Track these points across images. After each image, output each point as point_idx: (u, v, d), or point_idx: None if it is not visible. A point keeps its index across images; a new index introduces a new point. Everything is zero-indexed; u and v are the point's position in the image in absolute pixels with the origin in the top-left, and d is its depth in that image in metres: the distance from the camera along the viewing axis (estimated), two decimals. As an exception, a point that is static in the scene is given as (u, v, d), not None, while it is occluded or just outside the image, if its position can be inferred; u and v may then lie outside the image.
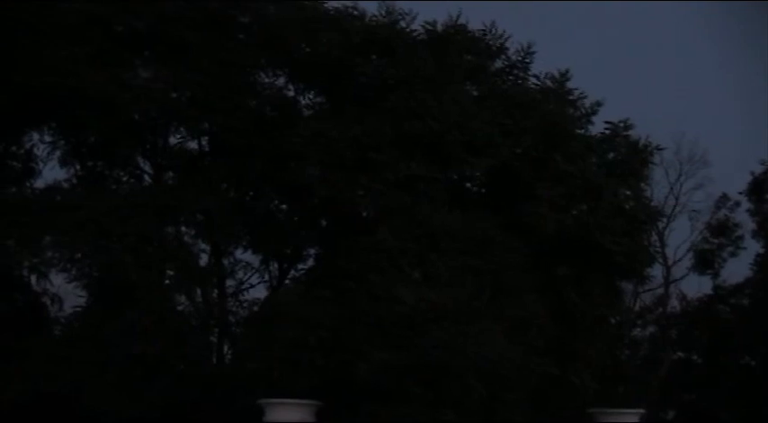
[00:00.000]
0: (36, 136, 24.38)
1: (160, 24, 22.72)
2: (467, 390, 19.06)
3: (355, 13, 23.79)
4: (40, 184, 24.34)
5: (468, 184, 23.86)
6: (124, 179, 24.53)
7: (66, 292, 23.52)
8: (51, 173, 24.32)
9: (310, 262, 24.64)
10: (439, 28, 23.68)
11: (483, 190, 23.89)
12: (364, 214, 22.55)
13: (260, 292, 24.98)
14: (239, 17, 23.74)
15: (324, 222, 24.15)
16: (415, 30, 23.63)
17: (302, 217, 24.26)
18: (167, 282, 23.60)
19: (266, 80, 24.40)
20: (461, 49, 23.63)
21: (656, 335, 38.91)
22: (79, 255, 22.13)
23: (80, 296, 23.05)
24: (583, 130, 24.38)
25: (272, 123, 23.42)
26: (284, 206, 24.66)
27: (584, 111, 24.46)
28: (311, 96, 24.43)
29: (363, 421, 19.65)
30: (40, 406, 20.40)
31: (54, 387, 20.51)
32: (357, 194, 21.69)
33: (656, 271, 33.60)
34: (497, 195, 23.37)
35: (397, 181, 21.57)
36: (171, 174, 24.78)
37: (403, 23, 23.59)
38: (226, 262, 24.97)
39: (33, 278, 23.26)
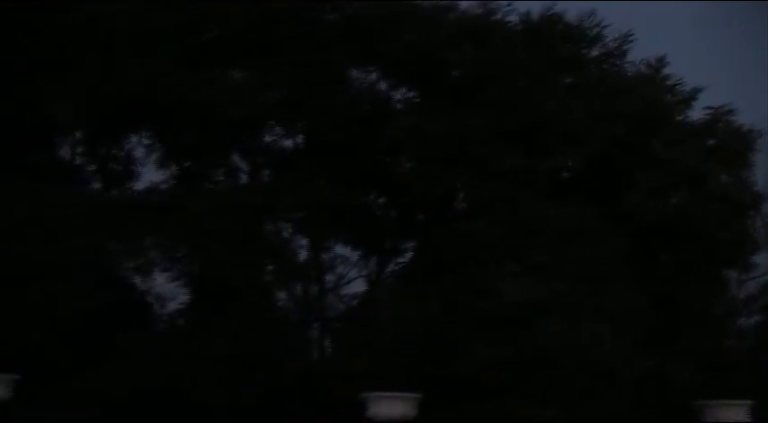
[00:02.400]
0: (135, 139, 24.89)
1: (250, 26, 22.94)
2: (569, 384, 18.84)
3: (448, 6, 23.74)
4: (139, 186, 24.83)
5: (566, 174, 23.62)
6: (221, 179, 24.84)
7: (169, 290, 23.99)
8: (150, 175, 24.82)
9: (408, 256, 24.69)
10: (534, 18, 23.50)
11: (581, 179, 23.63)
12: (461, 207, 22.48)
13: (359, 287, 25.19)
14: (328, 15, 23.84)
15: (421, 216, 24.14)
16: (511, 21, 23.50)
17: (399, 211, 24.29)
18: (267, 278, 23.88)
19: (359, 76, 24.48)
20: (557, 39, 23.38)
21: (762, 324, 37.95)
22: (180, 254, 22.54)
23: (182, 294, 23.55)
24: (682, 117, 23.94)
25: (366, 119, 23.49)
26: (381, 201, 24.74)
27: (683, 97, 24.02)
28: (404, 91, 24.44)
29: (464, 416, 19.58)
30: (145, 401, 20.78)
31: (157, 383, 20.89)
32: (453, 187, 21.60)
33: (762, 258, 32.73)
34: (595, 184, 23.09)
35: (493, 173, 21.44)
36: (267, 172, 25.00)
37: (498, 15, 23.46)
38: (325, 257, 25.16)
39: (137, 278, 23.77)
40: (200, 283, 23.03)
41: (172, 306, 23.68)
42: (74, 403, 20.39)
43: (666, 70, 24.11)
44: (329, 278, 24.90)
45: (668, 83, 24.07)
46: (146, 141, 24.59)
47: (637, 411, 21.11)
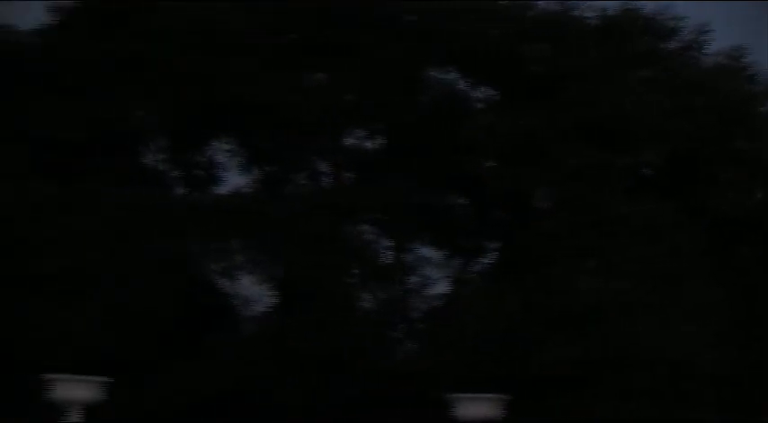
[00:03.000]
0: (217, 144, 25.22)
1: (328, 28, 23.10)
2: (651, 381, 18.54)
3: (526, 4, 23.60)
4: (222, 190, 25.15)
5: (644, 170, 23.25)
6: (304, 182, 25.05)
7: (254, 292, 24.26)
8: (233, 179, 25.14)
9: (490, 255, 24.56)
10: (611, 12, 23.21)
11: (659, 175, 23.24)
12: (540, 205, 22.29)
13: (443, 288, 25.12)
14: (406, 15, 23.87)
15: (501, 215, 24.02)
16: (587, 16, 23.23)
17: (480, 210, 24.20)
18: (351, 280, 23.99)
19: (438, 76, 24.46)
20: (634, 33, 23.05)
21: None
22: (264, 257, 22.79)
23: (268, 296, 23.77)
24: (764, 108, 23.36)
25: (445, 119, 23.46)
26: (462, 200, 24.68)
27: (764, 87, 23.44)
28: (483, 89, 24.34)
29: (549, 414, 19.41)
30: (230, 402, 21.06)
31: (244, 383, 21.14)
32: (532, 185, 21.43)
33: None
34: (674, 179, 22.69)
35: (571, 170, 21.22)
36: (349, 174, 25.14)
37: (575, 11, 23.23)
38: (408, 258, 25.17)
39: (223, 281, 24.10)
40: (284, 286, 23.24)
41: (257, 308, 24.02)
42: (161, 404, 20.79)
43: (745, 60, 23.64)
44: (413, 279, 24.93)
45: (748, 73, 23.59)
46: (228, 146, 25.00)
47: (721, 406, 20.73)
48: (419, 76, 24.06)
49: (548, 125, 21.54)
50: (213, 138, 25.02)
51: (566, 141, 21.37)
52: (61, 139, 22.96)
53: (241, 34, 22.96)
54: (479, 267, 24.64)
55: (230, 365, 21.39)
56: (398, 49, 23.24)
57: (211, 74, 22.87)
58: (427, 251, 24.83)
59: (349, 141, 24.98)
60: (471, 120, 22.51)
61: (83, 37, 23.55)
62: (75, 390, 17.73)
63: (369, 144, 25.04)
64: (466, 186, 23.68)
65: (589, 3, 23.27)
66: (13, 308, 20.86)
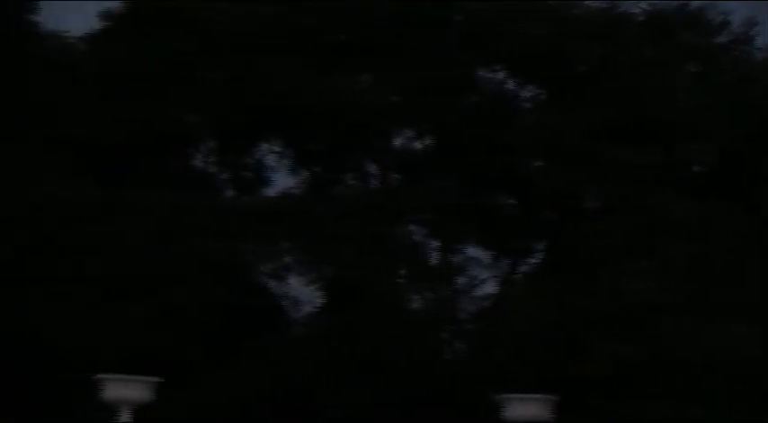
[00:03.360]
0: (266, 146, 25.35)
1: (375, 29, 23.11)
2: (703, 385, 18.26)
3: (573, 3, 23.45)
4: (271, 192, 25.27)
5: (695, 168, 22.95)
6: (351, 182, 25.07)
7: (303, 294, 24.32)
8: (281, 181, 25.26)
9: (538, 255, 24.41)
10: (658, 9, 22.96)
11: (710, 173, 22.91)
12: (590, 204, 22.12)
13: (491, 288, 25.02)
14: (453, 15, 23.81)
15: (549, 214, 23.86)
16: (635, 12, 23.05)
17: (528, 210, 24.07)
18: (399, 281, 23.97)
19: (485, 76, 24.38)
20: (683, 28, 22.79)
21: None
22: (312, 258, 22.84)
23: (316, 297, 23.82)
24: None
25: (493, 118, 23.37)
26: (510, 200, 24.56)
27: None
28: (531, 89, 24.21)
29: (597, 416, 19.22)
30: (280, 404, 21.10)
31: (293, 385, 21.19)
32: (580, 185, 21.26)
33: None
34: (725, 178, 22.35)
35: (621, 168, 21.01)
36: (397, 175, 25.11)
37: (622, 8, 23.06)
38: (456, 259, 25.10)
39: (273, 282, 24.19)
40: (332, 287, 23.27)
41: (305, 309, 24.07)
42: (210, 405, 20.90)
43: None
44: (461, 280, 24.85)
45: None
46: (276, 148, 25.11)
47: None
48: (467, 77, 23.98)
49: (596, 124, 21.34)
50: (261, 140, 25.17)
51: (614, 140, 21.15)
52: (111, 142, 23.23)
53: (288, 36, 23.04)
54: (527, 268, 24.52)
55: (278, 367, 21.46)
56: (446, 49, 23.20)
57: (259, 75, 23.00)
58: (475, 252, 24.80)
59: (397, 142, 25.02)
60: (519, 119, 22.40)
61: (131, 41, 23.80)
62: (126, 390, 17.85)
63: (417, 144, 25.05)
64: (514, 186, 23.57)
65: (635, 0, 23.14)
66: (64, 309, 21.10)
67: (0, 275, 21.52)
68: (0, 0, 24.83)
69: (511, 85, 24.52)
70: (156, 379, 18.26)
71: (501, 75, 24.44)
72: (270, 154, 25.21)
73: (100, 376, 17.83)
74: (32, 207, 21.74)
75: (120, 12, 24.65)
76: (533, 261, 24.52)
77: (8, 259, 21.38)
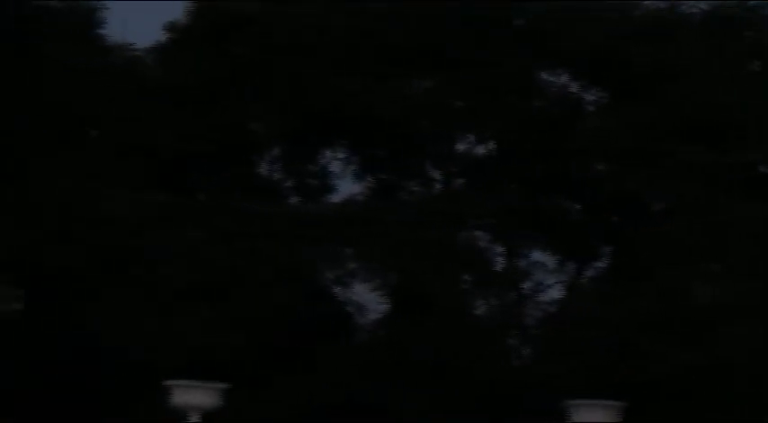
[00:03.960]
0: (330, 153, 25.49)
1: (435, 35, 23.13)
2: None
3: (633, 4, 23.25)
4: (335, 199, 25.38)
5: (760, 169, 22.54)
6: (415, 189, 25.08)
7: (368, 300, 24.36)
8: (346, 187, 25.35)
9: (604, 259, 24.19)
10: (717, 8, 22.68)
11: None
12: (654, 207, 21.86)
13: (557, 293, 24.85)
14: (514, 19, 23.76)
15: (614, 218, 23.65)
16: (694, 12, 22.75)
17: (593, 214, 23.88)
18: (464, 287, 23.90)
19: (548, 79, 24.27)
20: (743, 27, 22.45)
21: None
22: (377, 265, 22.88)
23: (382, 304, 23.85)
24: None
25: (556, 122, 23.24)
26: (575, 204, 24.38)
27: None
28: (593, 91, 24.02)
29: (666, 421, 18.94)
30: (347, 411, 21.14)
31: (357, 391, 21.23)
32: (645, 187, 21.02)
33: None
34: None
35: (685, 170, 20.75)
36: (460, 180, 25.07)
37: (681, 8, 22.80)
38: (521, 264, 24.98)
39: (338, 289, 24.29)
40: (397, 293, 23.28)
41: (370, 316, 24.11)
42: (278, 412, 21.03)
43: None
44: (526, 285, 24.72)
45: None
46: (340, 155, 25.24)
47: None
48: (529, 80, 23.90)
49: (658, 125, 21.11)
50: (326, 146, 25.32)
51: (677, 141, 20.90)
52: (178, 151, 23.56)
53: (349, 42, 23.17)
54: (593, 272, 24.31)
55: (344, 373, 21.52)
56: (508, 53, 23.14)
57: (321, 82, 23.16)
58: (540, 256, 24.68)
59: (460, 147, 24.99)
60: (582, 122, 22.23)
61: (196, 52, 24.12)
62: (194, 395, 18.03)
63: (480, 149, 25.02)
64: (578, 190, 23.41)
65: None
66: (134, 316, 21.41)
67: (71, 283, 21.95)
68: (66, 15, 25.40)
69: (573, 87, 24.39)
70: (223, 385, 18.44)
71: (563, 78, 24.33)
72: (334, 161, 25.41)
73: (168, 382, 18.05)
74: (103, 215, 22.13)
75: (184, 23, 25.02)
76: (599, 265, 24.33)
77: (80, 267, 21.79)
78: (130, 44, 25.51)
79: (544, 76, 24.27)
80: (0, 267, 20.77)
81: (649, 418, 19.34)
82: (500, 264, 24.66)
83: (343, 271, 23.50)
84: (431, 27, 23.21)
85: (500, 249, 24.82)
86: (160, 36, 25.09)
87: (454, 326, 22.00)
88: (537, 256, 24.64)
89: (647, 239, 20.90)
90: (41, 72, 23.58)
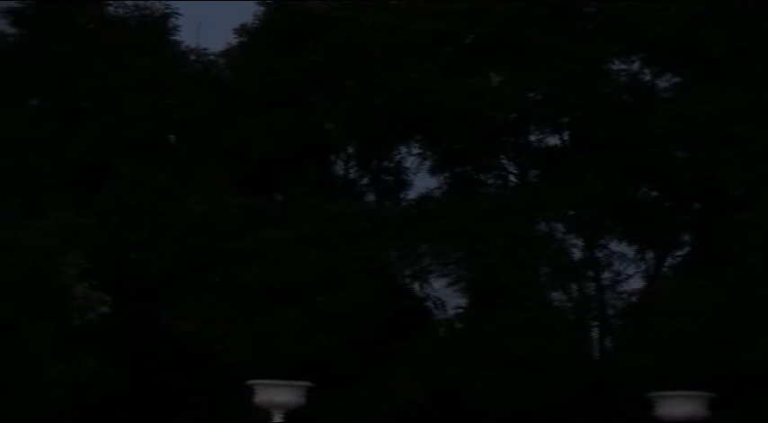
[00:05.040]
0: (404, 149, 25.54)
1: (505, 27, 23.02)
2: None
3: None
4: (413, 194, 25.44)
5: None
6: (490, 182, 25.00)
7: (447, 295, 24.36)
8: (423, 182, 25.37)
9: (685, 247, 23.87)
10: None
11: None
12: (735, 192, 21.46)
13: (638, 283, 24.58)
14: (584, 8, 23.56)
15: (696, 205, 23.31)
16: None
17: (673, 202, 23.57)
18: (543, 279, 23.77)
19: (620, 67, 24.02)
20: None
21: None
22: (453, 260, 22.87)
23: (460, 298, 23.84)
24: None
25: (630, 109, 22.99)
26: (653, 192, 24.09)
27: None
28: (669, 77, 23.69)
29: (755, 413, 18.58)
30: (427, 406, 21.18)
31: (439, 386, 21.24)
32: (725, 172, 20.63)
33: None
34: None
35: (765, 153, 20.33)
36: (535, 172, 24.93)
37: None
38: (600, 254, 24.76)
39: (417, 285, 24.33)
40: (476, 287, 23.24)
41: (450, 311, 24.12)
42: (360, 409, 21.15)
43: None
44: (606, 275, 24.50)
45: None
46: (416, 151, 25.27)
47: None
48: (602, 68, 23.66)
49: (737, 109, 20.70)
50: (400, 143, 25.37)
51: (757, 124, 20.48)
52: (255, 152, 23.81)
53: (420, 38, 23.18)
54: (675, 261, 23.99)
55: (426, 369, 21.54)
56: (579, 42, 22.94)
57: (395, 80, 23.20)
58: (619, 246, 24.43)
59: (535, 138, 24.85)
60: (658, 109, 21.92)
61: (269, 54, 24.34)
62: (278, 394, 18.25)
63: (555, 140, 24.83)
64: (656, 177, 23.10)
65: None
66: (219, 317, 21.70)
67: (160, 285, 22.35)
68: (142, 22, 25.86)
69: (647, 74, 24.07)
70: (307, 384, 18.60)
71: (636, 65, 24.03)
72: (409, 156, 25.45)
73: (252, 382, 18.28)
74: (189, 219, 22.49)
75: (254, 25, 25.27)
76: (680, 253, 24.00)
77: (168, 269, 22.17)
78: (204, 49, 25.93)
79: (619, 64, 24.01)
80: (88, 272, 21.26)
81: (738, 410, 19.03)
82: (579, 254, 24.54)
83: (422, 266, 23.51)
84: (501, 19, 23.09)
85: (578, 240, 24.67)
86: (231, 39, 25.47)
87: (533, 319, 21.87)
88: (616, 245, 24.51)
89: (729, 226, 20.50)
90: (123, 81, 24.09)
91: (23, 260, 20.70)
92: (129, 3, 25.93)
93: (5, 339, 20.19)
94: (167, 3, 25.99)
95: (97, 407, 20.67)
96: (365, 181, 25.97)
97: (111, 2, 26.00)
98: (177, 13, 26.10)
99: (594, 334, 23.96)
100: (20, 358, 20.06)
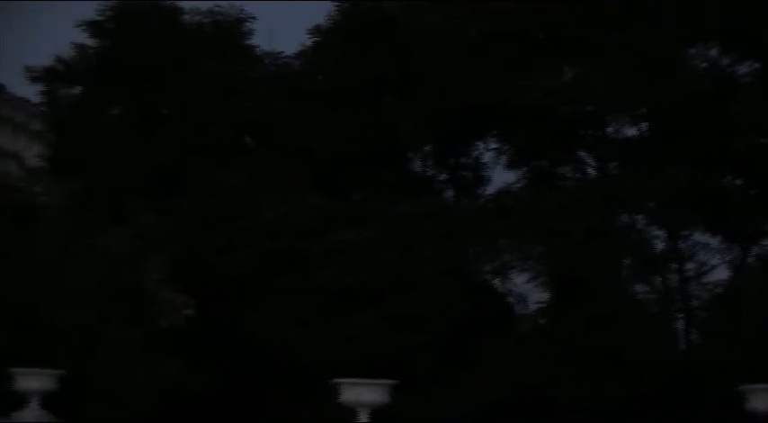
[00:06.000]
0: (481, 145, 25.45)
1: (577, 21, 22.78)
2: None
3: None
4: (490, 190, 25.35)
5: None
6: (569, 175, 24.77)
7: (529, 290, 24.21)
8: (501, 177, 25.27)
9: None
10: None
11: None
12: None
13: (723, 273, 24.10)
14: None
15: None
16: None
17: (757, 191, 23.06)
18: (625, 271, 23.48)
19: (698, 54, 23.59)
20: None
21: None
22: (533, 254, 22.72)
23: (541, 293, 23.68)
24: None
25: (710, 97, 22.54)
26: (736, 182, 23.62)
27: None
28: (749, 64, 23.19)
29: None
30: (513, 402, 21.05)
31: (523, 382, 21.11)
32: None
33: None
34: None
35: None
36: (614, 163, 24.62)
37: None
38: (683, 245, 24.35)
39: (497, 281, 24.23)
40: (557, 281, 23.05)
41: (532, 306, 23.96)
42: (443, 407, 21.11)
43: None
44: (689, 267, 24.07)
45: None
46: (492, 146, 25.16)
47: None
48: (678, 57, 23.26)
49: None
50: (477, 139, 25.28)
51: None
52: (328, 153, 23.95)
53: (493, 39, 23.08)
54: (762, 250, 23.49)
55: (510, 364, 21.43)
56: (654, 30, 22.57)
57: (468, 78, 23.13)
58: (703, 237, 24.01)
59: (612, 130, 24.55)
60: (738, 96, 21.46)
61: (342, 54, 24.46)
62: (362, 393, 18.28)
63: (632, 131, 24.51)
64: (739, 167, 22.64)
65: None
66: (298, 318, 21.86)
67: (240, 288, 22.61)
68: (216, 28, 26.21)
69: (725, 61, 23.59)
70: (391, 382, 18.62)
71: (714, 52, 23.58)
72: (486, 152, 25.37)
73: (337, 381, 18.36)
74: (266, 222, 22.71)
75: (327, 26, 25.43)
76: (766, 243, 23.49)
77: (247, 272, 22.43)
78: (279, 52, 26.18)
79: (696, 51, 23.58)
80: (172, 276, 21.60)
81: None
82: (661, 246, 24.16)
83: (502, 262, 23.37)
84: (574, 13, 22.85)
85: (660, 232, 24.30)
86: (304, 39, 25.67)
87: (616, 312, 21.60)
88: (699, 236, 24.08)
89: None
90: (197, 86, 24.45)
91: (109, 266, 21.11)
92: (203, 9, 26.36)
93: (94, 344, 20.59)
94: (241, 8, 26.37)
95: (182, 409, 20.97)
96: (442, 178, 26.00)
97: (185, 9, 26.46)
98: (251, 18, 26.45)
99: (679, 326, 23.60)
100: (108, 362, 20.43)
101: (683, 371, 21.44)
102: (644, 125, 24.12)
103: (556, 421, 20.84)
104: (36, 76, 26.37)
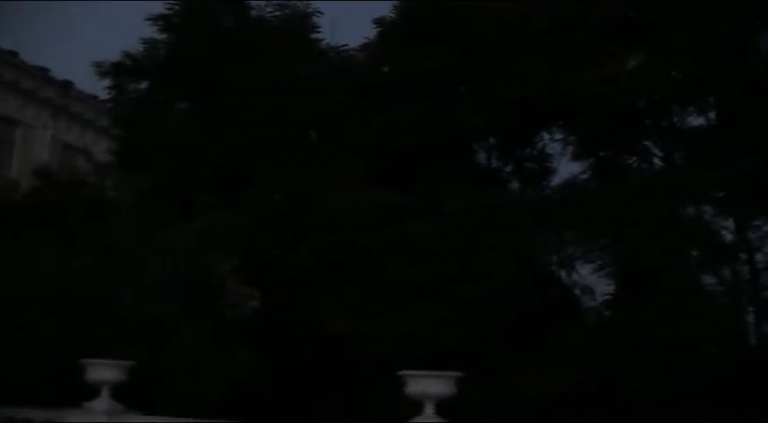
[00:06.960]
0: (546, 135, 25.35)
1: (640, 8, 22.54)
2: None
3: None
4: (556, 181, 25.26)
5: None
6: (635, 165, 24.55)
7: (595, 281, 24.05)
8: (567, 167, 25.16)
9: None
10: None
11: None
12: None
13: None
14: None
15: None
16: None
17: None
18: (693, 262, 23.22)
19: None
20: None
21: None
22: (600, 245, 22.57)
23: (608, 284, 23.51)
24: None
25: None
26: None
27: None
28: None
29: None
30: (577, 396, 20.94)
31: (589, 374, 21.00)
32: None
33: None
34: None
35: None
36: (681, 153, 24.34)
37: None
38: (753, 236, 24.00)
39: (563, 272, 24.13)
40: (624, 272, 22.87)
41: (598, 298, 23.81)
42: (509, 400, 21.09)
43: None
44: (760, 257, 23.73)
45: None
46: (558, 137, 25.05)
47: None
48: (747, 42, 22.90)
49: None
50: (542, 129, 25.18)
51: None
52: (396, 146, 24.02)
53: (555, 30, 22.96)
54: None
55: (575, 358, 21.33)
56: (721, 15, 22.24)
57: (532, 69, 23.04)
58: (774, 227, 23.62)
59: (678, 119, 24.26)
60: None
61: (405, 45, 24.52)
62: (428, 385, 18.36)
63: (700, 120, 24.23)
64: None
65: None
66: (362, 311, 21.99)
67: (304, 281, 22.81)
68: (285, 22, 26.41)
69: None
70: (457, 374, 18.67)
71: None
72: (552, 143, 25.27)
73: (403, 372, 18.46)
74: (330, 214, 22.87)
75: (391, 18, 25.50)
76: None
77: (310, 266, 22.61)
78: (343, 45, 26.30)
79: (762, 37, 23.18)
80: (238, 269, 21.88)
81: None
82: (729, 237, 23.86)
83: (568, 253, 23.26)
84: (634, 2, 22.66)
85: (728, 222, 23.99)
86: (368, 33, 25.78)
87: (684, 303, 21.36)
88: (769, 226, 23.67)
89: None
90: (262, 81, 24.67)
91: (179, 260, 21.44)
92: (272, 3, 26.55)
93: (165, 336, 20.94)
94: (308, 2, 26.53)
95: (250, 401, 21.23)
96: (508, 169, 25.94)
97: (253, 3, 26.68)
98: (318, 12, 26.59)
99: (750, 318, 23.29)
100: (179, 354, 20.76)
101: (756, 363, 21.12)
102: (712, 114, 23.85)
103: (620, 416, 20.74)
104: (104, 71, 26.76)
